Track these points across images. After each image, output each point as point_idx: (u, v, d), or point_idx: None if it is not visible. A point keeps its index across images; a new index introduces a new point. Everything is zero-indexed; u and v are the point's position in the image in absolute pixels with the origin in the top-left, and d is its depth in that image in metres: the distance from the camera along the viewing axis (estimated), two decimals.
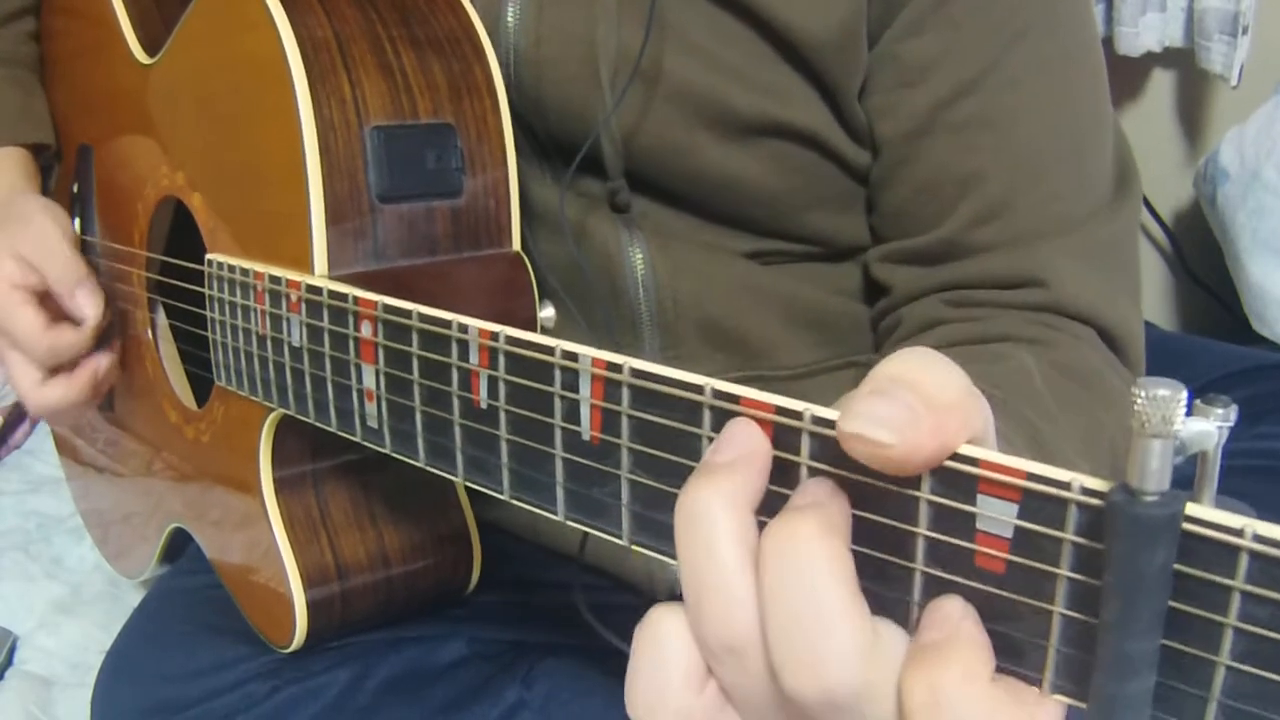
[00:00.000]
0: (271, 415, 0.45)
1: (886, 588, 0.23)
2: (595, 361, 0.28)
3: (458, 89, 0.45)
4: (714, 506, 0.23)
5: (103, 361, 0.57)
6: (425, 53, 0.44)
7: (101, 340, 0.58)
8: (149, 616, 0.58)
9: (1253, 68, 0.85)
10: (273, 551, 0.48)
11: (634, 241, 0.49)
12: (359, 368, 0.37)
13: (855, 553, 0.22)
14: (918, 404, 0.20)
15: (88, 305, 0.55)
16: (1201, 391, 0.60)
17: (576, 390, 0.28)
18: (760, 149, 0.47)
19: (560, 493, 0.30)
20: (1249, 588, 0.18)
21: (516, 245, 0.47)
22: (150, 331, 0.58)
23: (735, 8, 0.45)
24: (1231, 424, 0.21)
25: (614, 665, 0.57)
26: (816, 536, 0.21)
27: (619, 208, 0.49)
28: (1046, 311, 0.45)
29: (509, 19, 0.47)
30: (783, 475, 0.24)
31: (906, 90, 0.45)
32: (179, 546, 0.61)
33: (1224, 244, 0.86)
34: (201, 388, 0.56)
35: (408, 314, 0.34)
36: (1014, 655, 0.21)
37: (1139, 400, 0.18)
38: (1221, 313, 0.94)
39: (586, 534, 0.49)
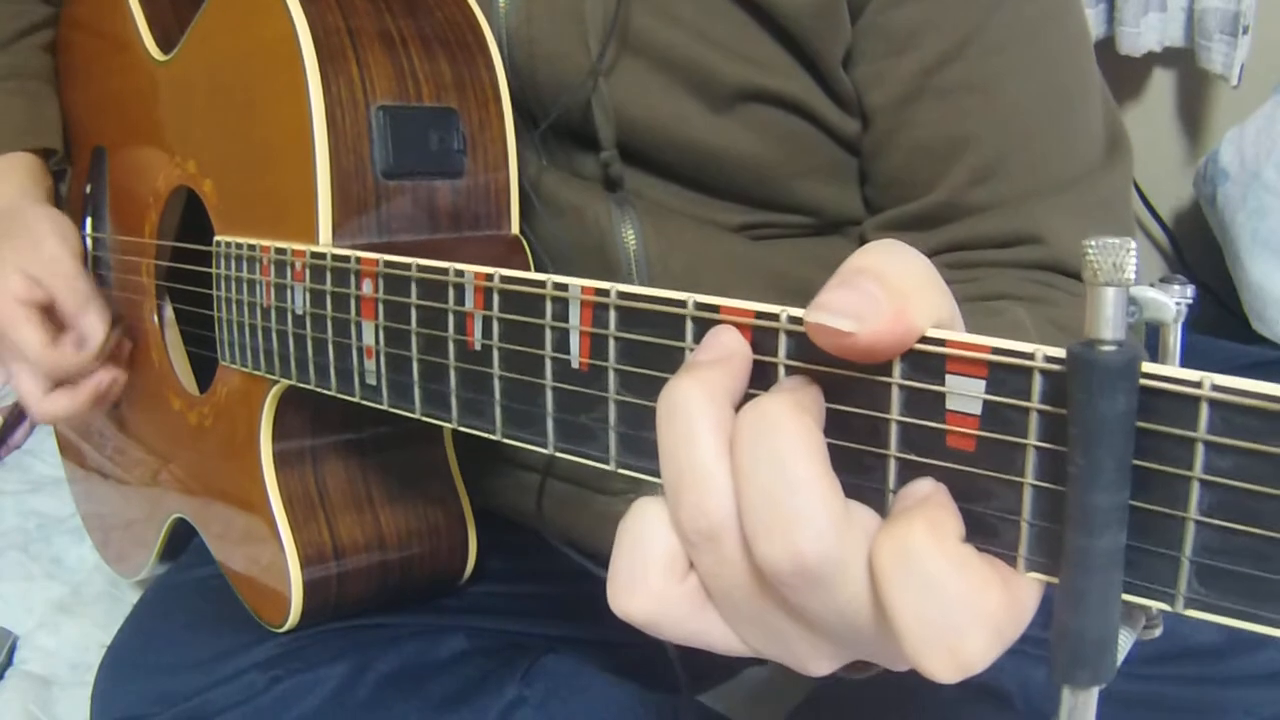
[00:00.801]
0: (273, 390, 0.46)
1: (862, 477, 0.23)
2: (584, 289, 0.29)
3: (461, 78, 0.47)
4: (694, 398, 0.23)
5: (106, 376, 0.58)
6: (431, 43, 0.46)
7: (115, 345, 0.59)
8: (149, 610, 0.58)
9: (1253, 68, 0.86)
10: (271, 530, 0.48)
11: (626, 219, 0.50)
12: (359, 325, 0.38)
13: (831, 445, 0.23)
14: (879, 291, 0.21)
15: (95, 327, 0.56)
16: None
17: (566, 319, 0.29)
18: (746, 117, 0.48)
19: (550, 424, 0.30)
20: (1211, 438, 0.19)
21: (515, 229, 0.48)
22: (157, 320, 0.59)
23: None
24: (1189, 301, 0.21)
25: (613, 661, 0.57)
26: (786, 414, 0.22)
27: (612, 181, 0.50)
28: (1044, 269, 0.45)
29: (500, 1, 0.49)
30: (762, 378, 0.25)
31: (893, 58, 0.47)
32: (178, 543, 0.61)
33: (1224, 244, 0.85)
34: (206, 378, 0.57)
35: (407, 266, 0.35)
36: (988, 534, 0.22)
37: (1090, 251, 0.19)
38: (1221, 313, 0.94)
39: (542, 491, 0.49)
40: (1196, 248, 0.98)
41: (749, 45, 0.47)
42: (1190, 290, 0.21)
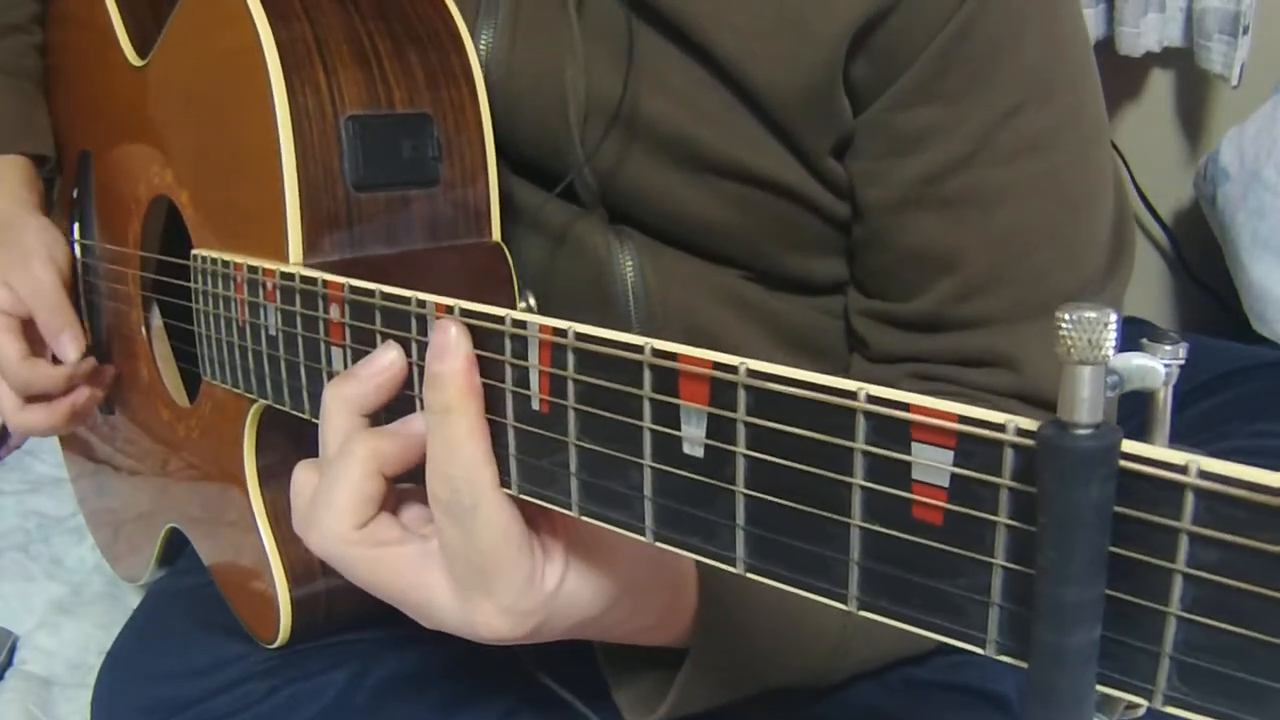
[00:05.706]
0: (254, 408, 0.45)
1: (824, 546, 0.22)
2: (542, 328, 0.27)
3: (435, 78, 0.45)
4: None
5: (83, 395, 0.59)
6: (402, 43, 0.44)
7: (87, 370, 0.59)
8: (149, 616, 0.59)
9: (1253, 68, 0.84)
10: (258, 547, 0.47)
11: (625, 250, 0.49)
12: (329, 350, 0.37)
13: (792, 510, 0.22)
14: None
15: (70, 349, 0.57)
16: (1199, 389, 0.58)
17: (525, 357, 0.28)
18: (735, 194, 0.47)
19: (513, 464, 0.29)
20: (1196, 529, 0.17)
21: (496, 235, 0.46)
22: (145, 331, 0.58)
23: (705, 59, 0.45)
24: (1180, 361, 0.19)
25: None
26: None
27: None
28: (1018, 399, 0.44)
29: (481, 46, 0.47)
30: (720, 431, 0.23)
31: (896, 160, 0.44)
32: (177, 548, 0.61)
33: (1224, 244, 0.84)
34: (195, 387, 0.56)
35: (370, 293, 0.34)
36: (954, 613, 0.20)
37: (1064, 325, 0.17)
38: (1221, 313, 0.93)
39: None
40: (1196, 248, 0.96)
41: (739, 126, 0.45)
42: (1183, 349, 0.19)
